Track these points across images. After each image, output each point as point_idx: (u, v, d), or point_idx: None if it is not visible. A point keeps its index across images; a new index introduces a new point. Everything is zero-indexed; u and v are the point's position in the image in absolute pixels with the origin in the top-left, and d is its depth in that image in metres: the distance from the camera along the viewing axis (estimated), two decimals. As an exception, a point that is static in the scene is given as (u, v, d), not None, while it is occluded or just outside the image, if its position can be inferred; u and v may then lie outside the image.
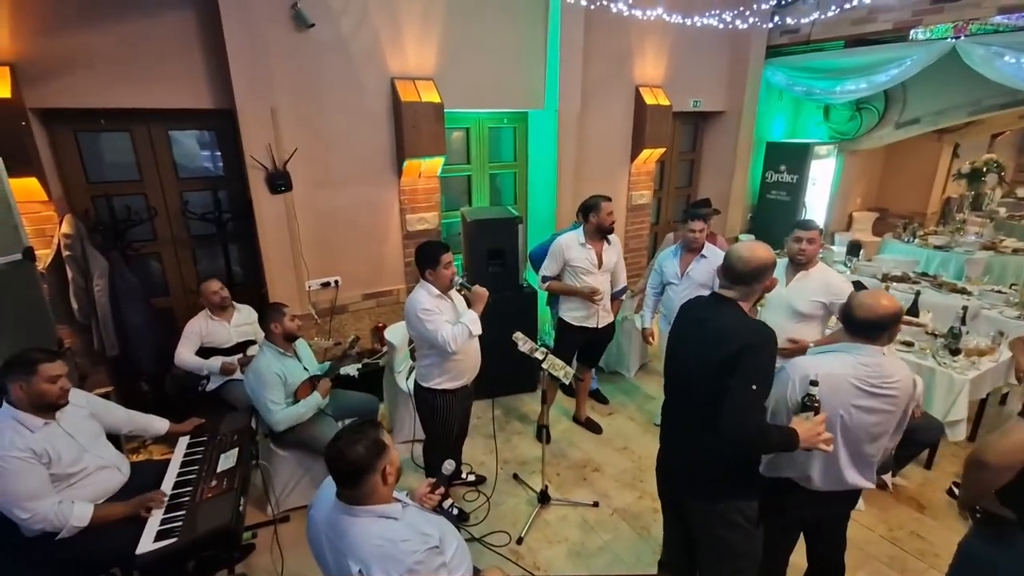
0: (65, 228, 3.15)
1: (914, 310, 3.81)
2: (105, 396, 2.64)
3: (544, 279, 3.49)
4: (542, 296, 3.90)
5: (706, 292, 3.29)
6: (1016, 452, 1.54)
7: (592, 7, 4.01)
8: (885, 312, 1.76)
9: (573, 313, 3.48)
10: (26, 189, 2.96)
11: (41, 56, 2.96)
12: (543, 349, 2.78)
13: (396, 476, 1.53)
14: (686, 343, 1.90)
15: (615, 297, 3.61)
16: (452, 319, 2.63)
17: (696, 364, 1.79)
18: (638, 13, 4.13)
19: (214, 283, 3.32)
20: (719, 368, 1.67)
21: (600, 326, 3.50)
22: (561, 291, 3.47)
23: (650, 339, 3.68)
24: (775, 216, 6.22)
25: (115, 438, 2.56)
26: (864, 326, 1.79)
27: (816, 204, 6.44)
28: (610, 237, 3.42)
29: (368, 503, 1.49)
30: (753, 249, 1.80)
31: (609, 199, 3.31)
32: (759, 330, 1.71)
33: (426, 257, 2.59)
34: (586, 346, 3.63)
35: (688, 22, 4.46)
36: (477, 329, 2.60)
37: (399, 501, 1.58)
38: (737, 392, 1.63)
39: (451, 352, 2.56)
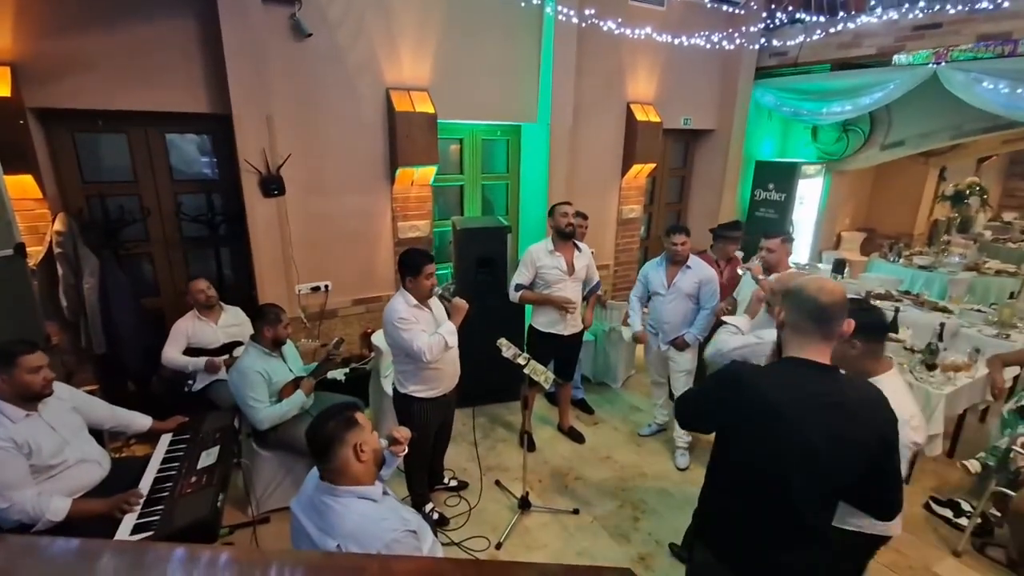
0: (58, 226, 3.18)
1: (894, 326, 3.87)
2: (90, 394, 2.65)
3: (517, 287, 3.50)
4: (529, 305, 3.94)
5: (692, 303, 3.40)
6: None
7: (583, 24, 4.13)
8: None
9: (541, 319, 3.57)
10: (21, 186, 3.00)
11: (42, 57, 3.03)
12: (525, 355, 2.82)
13: (373, 456, 1.60)
14: (811, 428, 1.38)
15: (590, 294, 3.68)
16: (429, 329, 2.64)
17: (834, 455, 1.37)
18: (628, 32, 4.25)
19: (201, 282, 3.36)
20: (880, 451, 1.40)
21: (567, 334, 3.54)
22: (535, 301, 3.52)
23: (643, 340, 3.74)
24: (763, 234, 6.30)
25: (98, 434, 2.57)
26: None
27: (804, 223, 6.55)
28: (580, 245, 3.51)
29: (347, 482, 1.54)
30: None
31: (567, 203, 3.45)
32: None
33: (409, 265, 2.60)
34: (557, 357, 3.66)
35: (676, 41, 4.59)
36: (453, 341, 2.63)
37: (381, 486, 1.64)
38: (899, 471, 1.48)
39: (426, 361, 2.57)
